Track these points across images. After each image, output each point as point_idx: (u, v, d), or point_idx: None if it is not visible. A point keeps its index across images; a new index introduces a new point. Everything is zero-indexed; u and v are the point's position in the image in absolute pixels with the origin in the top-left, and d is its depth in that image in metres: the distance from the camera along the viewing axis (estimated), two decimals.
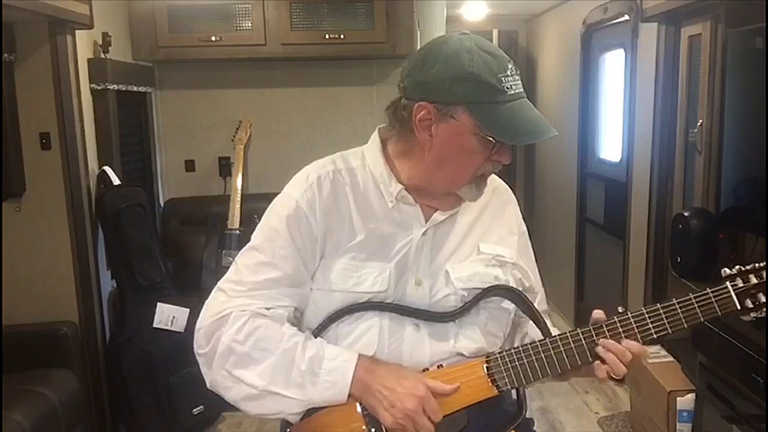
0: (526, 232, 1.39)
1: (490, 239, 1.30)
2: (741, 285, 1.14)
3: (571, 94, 4.40)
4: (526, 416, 1.27)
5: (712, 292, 1.14)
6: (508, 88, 1.13)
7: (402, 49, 3.48)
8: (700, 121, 2.71)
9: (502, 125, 1.13)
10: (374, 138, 1.30)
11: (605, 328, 1.18)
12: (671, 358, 2.87)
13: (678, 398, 2.59)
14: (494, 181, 1.34)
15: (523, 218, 1.42)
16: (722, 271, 1.16)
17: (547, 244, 4.94)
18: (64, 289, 2.77)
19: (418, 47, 3.71)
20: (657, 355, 2.90)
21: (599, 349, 1.16)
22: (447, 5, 4.01)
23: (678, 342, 2.93)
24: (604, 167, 4.00)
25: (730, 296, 1.14)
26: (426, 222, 1.25)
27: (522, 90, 1.16)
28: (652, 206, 3.12)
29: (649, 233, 3.16)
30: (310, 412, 1.20)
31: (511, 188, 1.41)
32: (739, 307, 1.14)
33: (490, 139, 1.14)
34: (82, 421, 2.70)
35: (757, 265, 1.15)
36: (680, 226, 2.59)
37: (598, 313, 1.20)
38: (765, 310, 1.14)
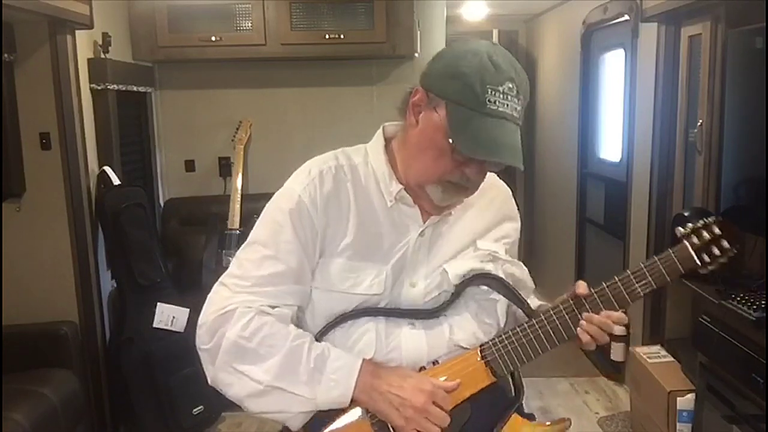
0: (518, 237, 1.40)
1: (488, 237, 1.31)
2: (697, 242, 1.20)
3: (571, 94, 4.39)
4: (527, 412, 1.28)
5: (673, 251, 1.20)
6: (490, 102, 1.10)
7: (402, 49, 3.48)
8: (700, 121, 2.71)
9: (464, 132, 1.11)
10: (378, 135, 1.30)
11: (584, 300, 1.21)
12: (671, 358, 2.87)
13: (678, 398, 2.59)
14: (494, 179, 1.34)
15: (522, 218, 1.42)
16: (676, 230, 1.23)
17: (547, 244, 4.94)
18: (64, 289, 2.78)
19: (418, 47, 3.73)
20: (657, 355, 2.90)
21: (582, 323, 1.20)
22: (447, 5, 4.00)
23: (678, 342, 2.93)
24: (604, 167, 4.00)
25: (689, 253, 1.20)
26: (424, 223, 1.25)
27: (514, 114, 1.13)
28: (652, 206, 3.12)
29: (649, 233, 3.16)
30: (317, 426, 1.20)
31: (511, 188, 1.41)
32: (699, 263, 1.20)
33: (450, 141, 1.12)
34: (82, 421, 2.70)
35: (706, 220, 1.22)
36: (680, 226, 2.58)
37: (580, 286, 1.23)
38: (719, 262, 1.20)
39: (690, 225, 1.22)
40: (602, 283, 1.21)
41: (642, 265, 1.20)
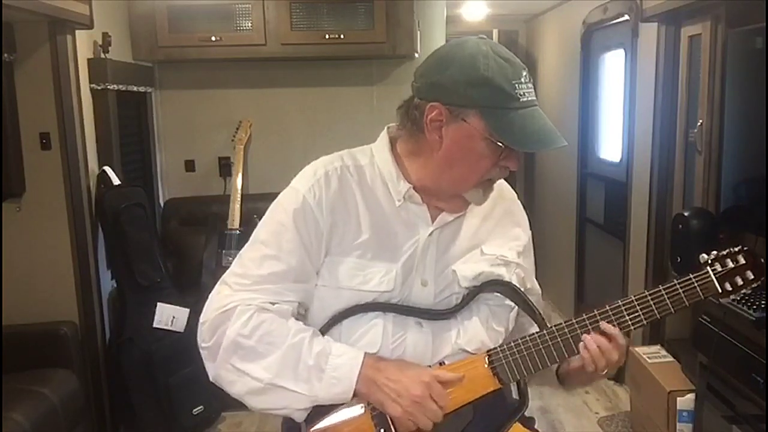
0: (531, 239, 1.40)
1: (494, 243, 1.30)
2: (720, 269, 1.19)
3: (571, 94, 4.40)
4: (527, 415, 1.28)
5: (695, 277, 1.19)
6: (521, 95, 1.14)
7: (402, 49, 3.48)
8: (700, 121, 2.71)
9: (513, 132, 1.13)
10: (383, 136, 1.30)
11: (599, 316, 1.20)
12: (671, 358, 2.87)
13: (678, 398, 2.59)
14: (500, 185, 1.34)
15: None
16: (701, 256, 1.21)
17: (547, 244, 4.94)
18: (64, 289, 2.78)
19: (418, 47, 3.73)
20: (657, 355, 2.90)
21: (581, 345, 1.19)
22: (447, 5, 4.00)
23: (678, 342, 2.93)
24: (604, 167, 4.00)
25: (712, 281, 1.19)
26: (433, 222, 1.26)
27: (534, 98, 1.17)
28: (652, 206, 3.12)
29: (649, 233, 3.16)
30: (317, 416, 1.20)
31: (511, 188, 1.41)
32: (720, 291, 1.19)
33: (500, 144, 1.14)
34: (82, 421, 2.70)
35: (731, 249, 1.21)
36: (680, 226, 2.59)
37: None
38: (743, 291, 1.20)
39: (714, 252, 1.21)
40: (618, 300, 1.20)
41: (661, 288, 1.19)
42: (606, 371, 1.21)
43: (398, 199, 1.24)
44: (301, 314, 1.27)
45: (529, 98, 1.15)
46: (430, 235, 1.25)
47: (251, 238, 1.27)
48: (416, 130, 1.21)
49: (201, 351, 1.23)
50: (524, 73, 1.15)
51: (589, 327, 1.20)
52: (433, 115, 1.16)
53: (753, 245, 2.42)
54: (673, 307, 1.18)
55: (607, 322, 1.19)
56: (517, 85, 1.13)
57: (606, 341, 1.19)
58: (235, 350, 1.18)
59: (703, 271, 1.19)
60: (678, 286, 1.18)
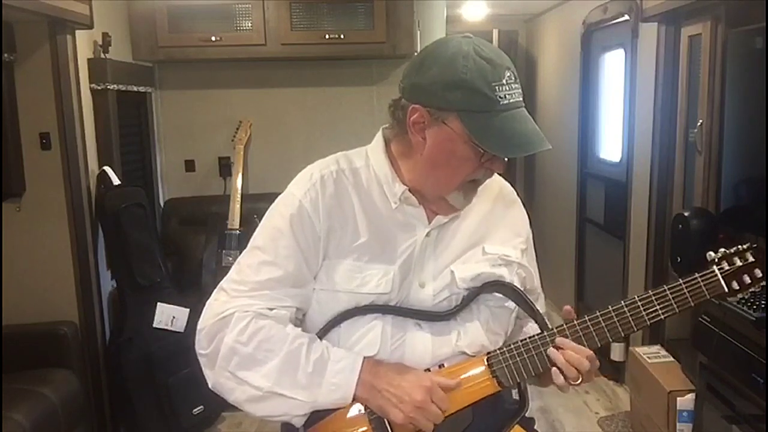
0: (531, 235, 1.39)
1: (495, 241, 1.30)
2: (727, 268, 1.16)
3: (571, 94, 4.39)
4: (527, 416, 1.27)
5: (701, 276, 1.16)
6: (501, 98, 1.10)
7: (402, 49, 3.49)
8: (700, 121, 2.71)
9: (492, 136, 1.11)
10: (378, 138, 1.29)
11: (600, 318, 1.18)
12: (671, 358, 2.87)
13: (678, 398, 2.59)
14: (500, 183, 1.34)
15: None
16: (707, 255, 1.18)
17: (547, 244, 4.94)
18: (64, 289, 2.78)
19: (418, 47, 3.73)
20: (657, 355, 2.90)
21: (551, 351, 1.17)
22: (447, 5, 4.01)
23: (678, 342, 2.93)
24: (604, 167, 3.99)
25: (718, 280, 1.16)
26: (429, 223, 1.25)
27: (520, 99, 1.14)
28: (652, 206, 3.12)
29: (649, 233, 3.16)
30: (315, 420, 1.20)
31: (511, 187, 1.40)
32: (726, 290, 1.16)
33: (480, 149, 1.13)
34: (82, 421, 2.70)
35: (740, 247, 1.17)
36: (680, 226, 2.59)
37: (566, 311, 1.22)
38: (751, 290, 1.17)
39: (722, 250, 1.17)
40: (621, 301, 1.18)
41: (665, 288, 1.16)
42: (581, 381, 1.18)
43: (394, 201, 1.23)
44: (299, 319, 1.26)
45: (512, 100, 1.12)
46: (427, 235, 1.24)
47: (249, 244, 1.26)
48: (402, 131, 1.20)
49: (199, 358, 1.22)
50: (507, 74, 1.11)
51: (591, 329, 1.18)
52: (415, 117, 1.15)
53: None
54: (677, 307, 1.16)
55: (609, 324, 1.18)
56: (497, 88, 1.10)
57: (572, 353, 1.16)
58: (232, 357, 1.18)
59: (709, 270, 1.16)
60: (683, 286, 1.16)
